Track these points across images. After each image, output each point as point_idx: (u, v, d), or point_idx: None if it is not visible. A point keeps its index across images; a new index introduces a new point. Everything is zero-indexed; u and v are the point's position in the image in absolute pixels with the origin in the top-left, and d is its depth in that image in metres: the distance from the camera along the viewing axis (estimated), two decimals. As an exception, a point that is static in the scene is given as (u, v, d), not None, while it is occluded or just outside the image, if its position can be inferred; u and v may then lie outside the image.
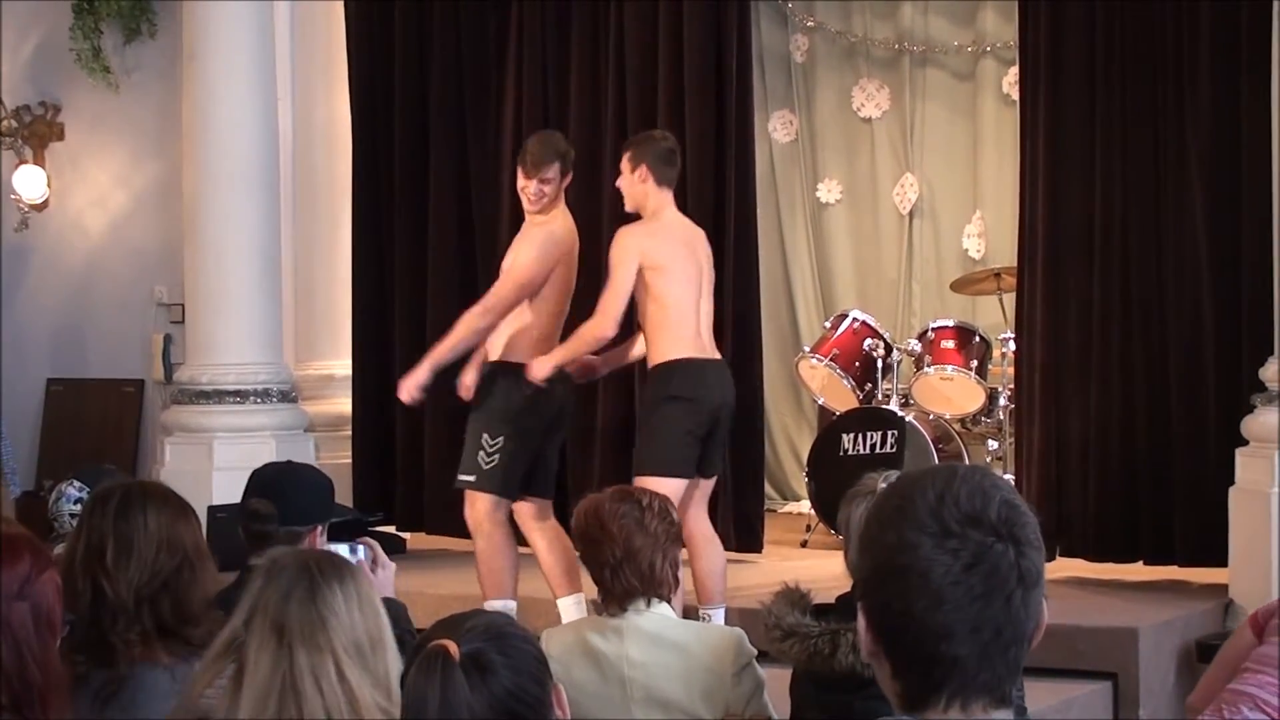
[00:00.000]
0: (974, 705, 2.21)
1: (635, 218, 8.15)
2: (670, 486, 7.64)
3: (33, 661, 3.00)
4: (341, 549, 5.09)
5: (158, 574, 3.89)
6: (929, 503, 2.20)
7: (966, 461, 9.92)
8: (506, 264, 8.12)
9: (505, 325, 8.01)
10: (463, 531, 8.26)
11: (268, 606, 3.17)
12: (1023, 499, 2.26)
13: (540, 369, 7.74)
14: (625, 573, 4.70)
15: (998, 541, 2.19)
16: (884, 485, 4.40)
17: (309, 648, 3.07)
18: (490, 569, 7.87)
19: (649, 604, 4.71)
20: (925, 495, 2.21)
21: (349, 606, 3.15)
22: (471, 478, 7.92)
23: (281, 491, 5.00)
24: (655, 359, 7.82)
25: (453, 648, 2.51)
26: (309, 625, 3.10)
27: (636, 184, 7.95)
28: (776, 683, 4.78)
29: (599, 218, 9.69)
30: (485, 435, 7.89)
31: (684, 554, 5.78)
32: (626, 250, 7.85)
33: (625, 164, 8.01)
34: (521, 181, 8.03)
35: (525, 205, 8.10)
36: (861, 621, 2.26)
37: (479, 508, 7.91)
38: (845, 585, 4.58)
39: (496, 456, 7.86)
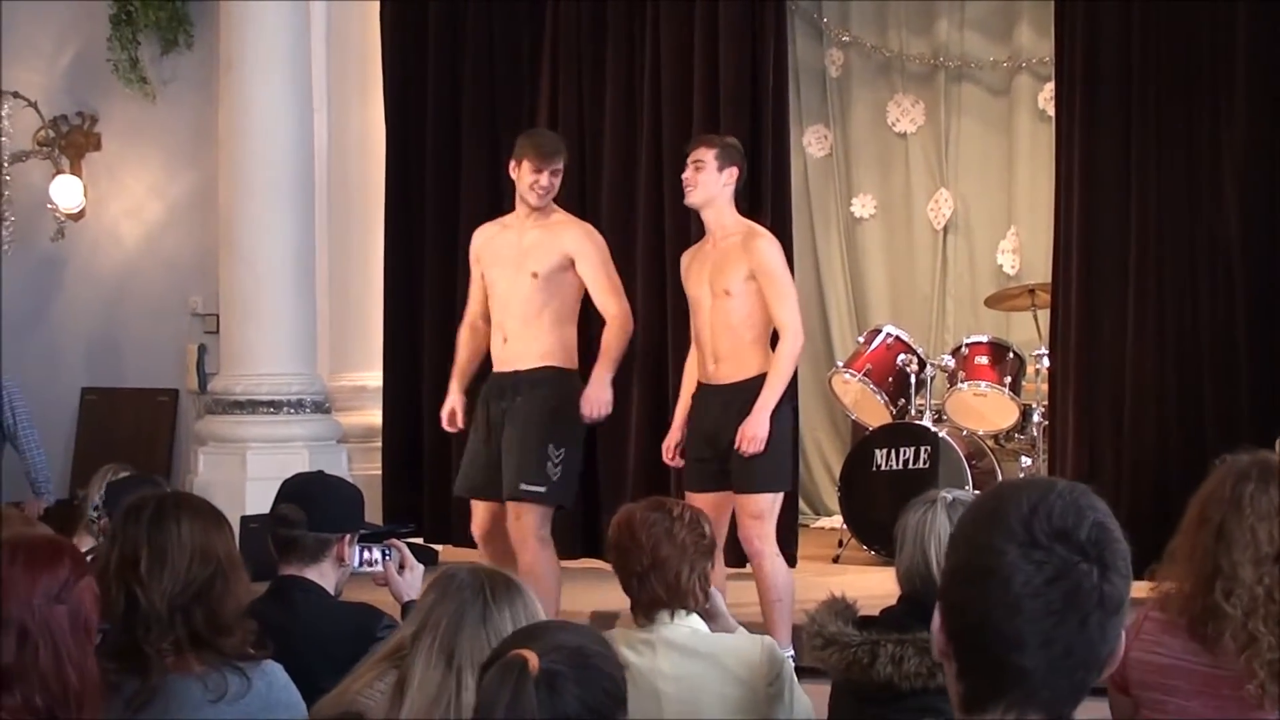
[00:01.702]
0: (1030, 719, 2.21)
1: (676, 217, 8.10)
2: (779, 503, 7.70)
3: (70, 665, 3.02)
4: (373, 551, 5.12)
5: (191, 584, 3.89)
6: (1022, 512, 2.21)
7: (1000, 478, 9.90)
8: (544, 268, 7.90)
9: (551, 328, 7.92)
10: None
11: (439, 625, 3.23)
12: (1118, 524, 2.26)
13: (767, 412, 7.49)
14: (651, 582, 4.67)
15: (1084, 561, 2.19)
16: (945, 497, 4.41)
17: (476, 674, 3.08)
18: (543, 586, 7.52)
19: (673, 616, 4.69)
20: (1020, 504, 2.22)
21: None
22: (541, 489, 7.77)
23: (311, 498, 5.00)
24: (763, 368, 7.60)
25: (534, 660, 2.51)
26: (479, 650, 3.11)
27: (721, 185, 7.68)
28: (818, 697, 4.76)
29: (634, 228, 9.70)
30: (550, 445, 7.79)
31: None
32: (784, 262, 7.76)
33: (711, 158, 7.68)
34: (532, 177, 7.90)
35: (534, 200, 7.92)
36: (937, 619, 2.27)
37: (528, 521, 7.75)
38: (879, 599, 4.57)
39: (561, 468, 7.78)
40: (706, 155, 7.70)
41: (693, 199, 7.77)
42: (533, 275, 7.90)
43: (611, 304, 7.96)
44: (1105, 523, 2.23)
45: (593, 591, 8.34)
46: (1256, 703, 3.72)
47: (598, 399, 7.83)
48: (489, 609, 3.25)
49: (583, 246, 7.97)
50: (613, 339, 7.93)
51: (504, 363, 7.98)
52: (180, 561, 3.90)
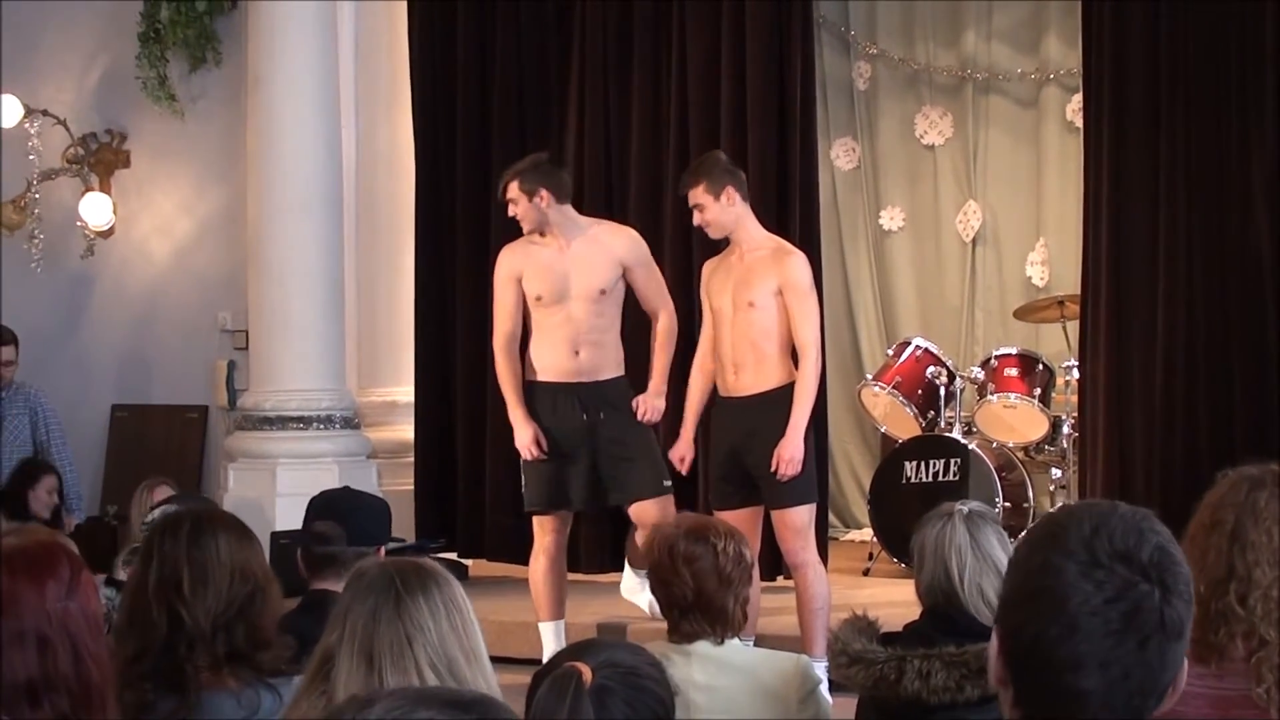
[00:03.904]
0: None
1: (706, 246, 8.11)
2: (811, 514, 7.75)
3: (90, 660, 3.01)
4: None
5: (234, 601, 3.91)
6: (1083, 532, 2.18)
7: (1030, 489, 9.89)
8: (605, 284, 8.05)
9: (615, 341, 8.10)
10: (524, 557, 8.27)
11: (356, 628, 3.15)
12: (1180, 551, 2.23)
13: (800, 433, 7.62)
14: (696, 616, 4.65)
15: (1144, 583, 2.17)
16: (961, 509, 4.40)
17: (397, 671, 3.04)
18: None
19: (722, 641, 4.67)
20: (1080, 525, 2.20)
21: (436, 620, 3.12)
22: (670, 483, 8.01)
23: (346, 514, 5.05)
24: (786, 379, 7.69)
25: (587, 673, 2.52)
26: (398, 645, 3.08)
27: (728, 209, 7.73)
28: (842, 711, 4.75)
29: (661, 245, 9.69)
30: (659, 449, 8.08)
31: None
32: (812, 280, 7.81)
33: (703, 194, 7.72)
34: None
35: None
36: (994, 645, 2.24)
37: (671, 509, 7.95)
38: (909, 612, 4.57)
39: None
40: (698, 194, 7.76)
41: (716, 235, 7.88)
42: (601, 292, 8.06)
43: None
44: (1168, 547, 2.21)
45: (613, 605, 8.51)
46: (1263, 706, 3.71)
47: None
48: (402, 600, 3.16)
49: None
50: None
51: (579, 374, 8.03)
52: (222, 579, 3.91)
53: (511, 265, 8.09)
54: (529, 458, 7.93)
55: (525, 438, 7.90)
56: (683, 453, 8.01)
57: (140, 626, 3.87)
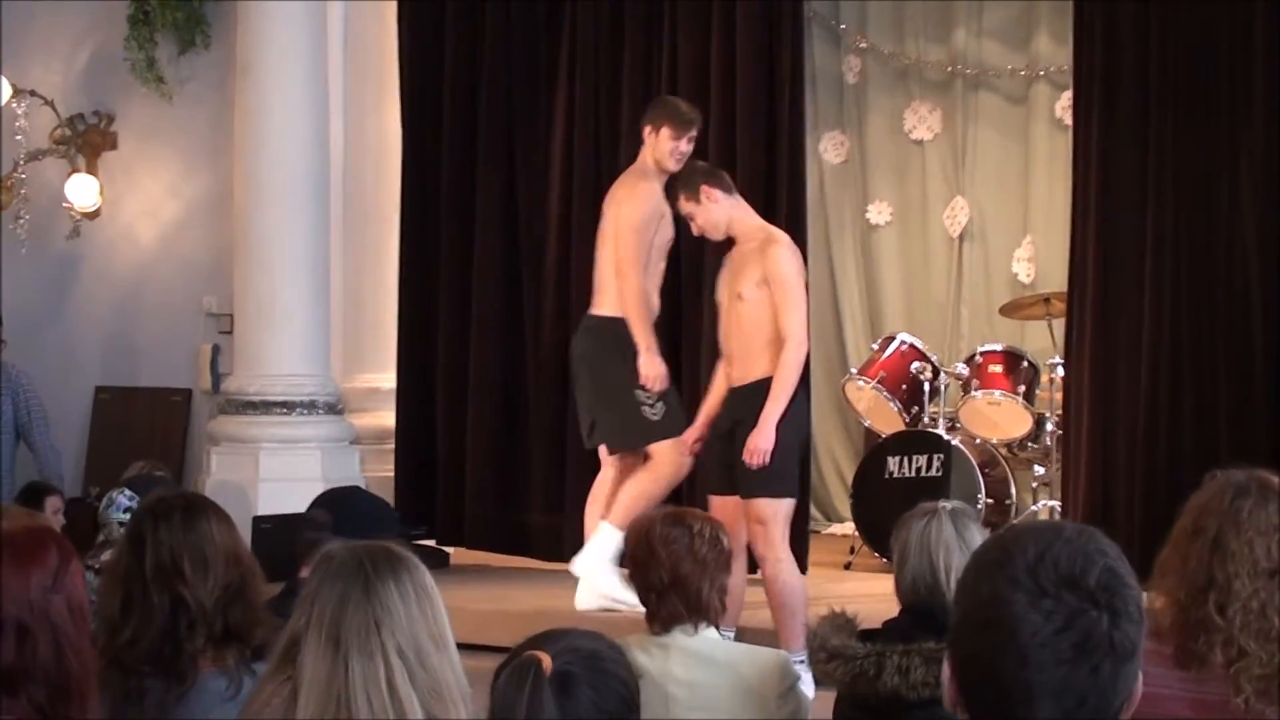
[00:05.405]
0: None
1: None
2: (787, 509, 7.69)
3: (71, 653, 3.00)
4: None
5: (230, 583, 3.97)
6: (1028, 560, 2.17)
7: (1013, 486, 9.90)
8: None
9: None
10: (503, 546, 8.28)
11: (324, 613, 3.09)
12: (1128, 568, 2.22)
13: (772, 425, 7.53)
14: (671, 599, 4.66)
15: (1093, 609, 2.16)
16: (945, 506, 4.40)
17: (363, 655, 3.01)
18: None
19: (696, 629, 4.68)
20: (1025, 551, 2.19)
21: (406, 605, 3.09)
22: None
23: (338, 504, 5.15)
24: (771, 370, 7.59)
25: (546, 661, 2.52)
26: (364, 628, 3.04)
27: (712, 207, 7.75)
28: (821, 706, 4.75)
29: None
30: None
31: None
32: (799, 270, 7.75)
33: (686, 203, 7.83)
34: (671, 144, 8.39)
35: (674, 166, 8.38)
36: (947, 670, 2.24)
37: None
38: (889, 606, 4.57)
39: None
40: (684, 206, 7.89)
41: (716, 236, 7.93)
42: None
43: None
44: (1115, 567, 2.20)
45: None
46: (1242, 715, 3.70)
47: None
48: (371, 584, 3.08)
49: None
50: None
51: None
52: (218, 562, 3.96)
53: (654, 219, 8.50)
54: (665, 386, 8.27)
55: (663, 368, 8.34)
56: (695, 434, 8.02)
57: (140, 612, 3.88)
